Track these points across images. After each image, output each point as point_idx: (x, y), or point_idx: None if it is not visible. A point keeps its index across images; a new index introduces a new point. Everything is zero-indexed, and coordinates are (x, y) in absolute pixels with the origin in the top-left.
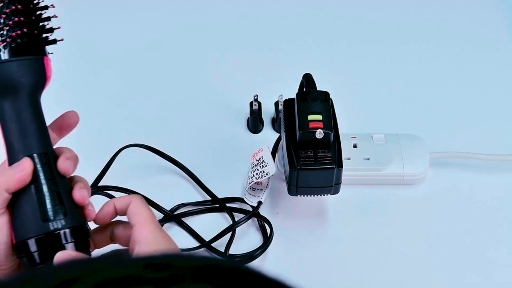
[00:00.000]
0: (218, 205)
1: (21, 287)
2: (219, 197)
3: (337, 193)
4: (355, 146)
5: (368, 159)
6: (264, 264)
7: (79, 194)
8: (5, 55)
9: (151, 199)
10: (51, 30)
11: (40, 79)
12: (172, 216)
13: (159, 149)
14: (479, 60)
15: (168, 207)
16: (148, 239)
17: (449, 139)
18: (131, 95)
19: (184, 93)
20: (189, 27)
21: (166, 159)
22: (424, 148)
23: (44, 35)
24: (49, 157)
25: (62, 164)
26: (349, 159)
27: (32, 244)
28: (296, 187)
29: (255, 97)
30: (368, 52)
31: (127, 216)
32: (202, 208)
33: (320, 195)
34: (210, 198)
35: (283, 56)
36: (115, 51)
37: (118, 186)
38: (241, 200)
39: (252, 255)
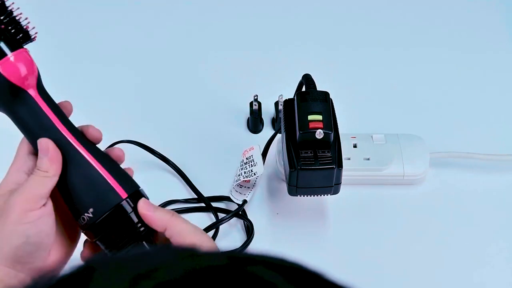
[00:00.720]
0: (204, 205)
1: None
2: (218, 196)
3: (337, 193)
4: (355, 146)
5: (368, 159)
6: None
7: (119, 151)
8: None
9: None
10: (20, 25)
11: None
12: None
13: (159, 150)
14: (479, 60)
15: (157, 203)
16: (189, 229)
17: (449, 139)
18: (131, 96)
19: (184, 93)
20: (189, 27)
21: (156, 156)
22: (424, 148)
23: (13, 30)
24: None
25: (92, 133)
26: (349, 159)
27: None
28: (296, 187)
29: (255, 97)
30: (368, 53)
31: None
32: (189, 206)
33: (320, 195)
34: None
35: (283, 56)
36: (113, 48)
37: None
38: (228, 198)
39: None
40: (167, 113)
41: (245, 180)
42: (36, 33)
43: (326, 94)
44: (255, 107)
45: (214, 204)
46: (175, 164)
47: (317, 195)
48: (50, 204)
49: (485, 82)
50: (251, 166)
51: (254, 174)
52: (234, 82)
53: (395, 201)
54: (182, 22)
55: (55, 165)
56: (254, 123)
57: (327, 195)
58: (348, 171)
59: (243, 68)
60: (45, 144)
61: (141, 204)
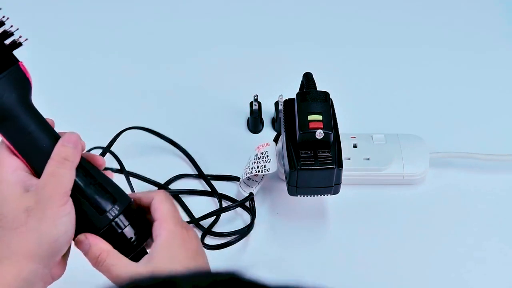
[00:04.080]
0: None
1: None
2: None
3: (337, 193)
4: (355, 146)
5: (368, 159)
6: (264, 264)
7: (109, 173)
8: None
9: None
10: (10, 34)
11: (26, 85)
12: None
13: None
14: (479, 60)
15: (164, 179)
16: (162, 239)
17: (449, 139)
18: (131, 95)
19: (184, 93)
20: (189, 27)
21: (165, 140)
22: (424, 148)
23: (7, 43)
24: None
25: (99, 161)
26: (349, 159)
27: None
28: (296, 187)
29: (255, 97)
30: (368, 53)
31: (150, 211)
32: (197, 190)
33: (320, 195)
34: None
35: (283, 56)
36: (112, 48)
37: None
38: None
39: (230, 240)
40: (167, 113)
41: (255, 174)
42: (25, 39)
43: (326, 94)
44: (255, 107)
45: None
46: (181, 146)
47: (317, 195)
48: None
49: (485, 82)
50: (265, 161)
51: (267, 170)
52: (234, 82)
53: (395, 201)
54: (183, 22)
55: (80, 153)
56: (254, 123)
57: (327, 195)
58: (348, 171)
59: (243, 68)
60: (73, 134)
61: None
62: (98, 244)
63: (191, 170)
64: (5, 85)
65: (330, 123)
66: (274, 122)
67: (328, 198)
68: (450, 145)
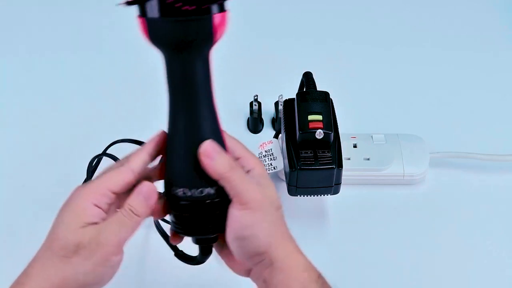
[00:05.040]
0: None
1: None
2: None
3: (337, 193)
4: (355, 146)
5: (368, 159)
6: None
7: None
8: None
9: None
10: None
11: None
12: None
13: None
14: (479, 60)
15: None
16: (244, 186)
17: (449, 139)
18: (131, 96)
19: None
20: None
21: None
22: (424, 148)
23: None
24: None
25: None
26: (349, 159)
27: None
28: (296, 187)
29: (255, 97)
30: (368, 53)
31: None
32: None
33: (320, 195)
34: None
35: (283, 57)
36: (111, 48)
37: None
38: None
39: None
40: (167, 113)
41: None
42: None
43: (326, 94)
44: (255, 107)
45: None
46: None
47: (317, 195)
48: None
49: (485, 82)
50: (271, 159)
51: (274, 168)
52: (234, 82)
53: (395, 201)
54: None
55: (149, 210)
56: (254, 123)
57: (327, 195)
58: (348, 171)
59: (243, 68)
60: (151, 189)
61: (204, 148)
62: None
63: None
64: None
65: (330, 123)
66: (274, 122)
67: (328, 198)
68: (450, 145)
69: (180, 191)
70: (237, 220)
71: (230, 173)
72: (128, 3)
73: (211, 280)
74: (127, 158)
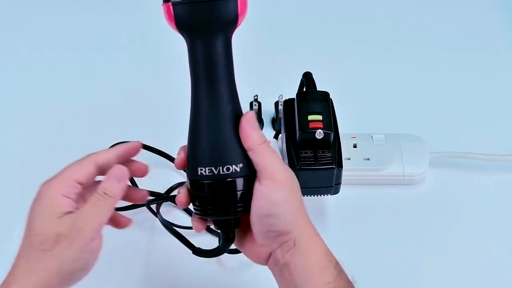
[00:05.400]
0: None
1: None
2: None
3: (337, 193)
4: (355, 146)
5: (368, 159)
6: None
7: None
8: None
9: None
10: None
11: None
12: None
13: (158, 148)
14: (479, 60)
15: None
16: (270, 163)
17: (449, 139)
18: (130, 95)
19: (184, 93)
20: None
21: (156, 154)
22: (424, 148)
23: None
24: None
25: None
26: (349, 159)
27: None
28: None
29: (255, 97)
30: (368, 53)
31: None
32: None
33: (320, 195)
34: None
35: (283, 56)
36: (112, 46)
37: None
38: None
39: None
40: (166, 113)
41: None
42: None
43: (326, 94)
44: (255, 107)
45: None
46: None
47: (317, 195)
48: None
49: (485, 82)
50: None
51: None
52: None
53: (395, 201)
54: None
55: (123, 191)
56: None
57: (327, 195)
58: (348, 171)
59: (243, 68)
60: (122, 170)
61: (247, 117)
62: None
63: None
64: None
65: (330, 123)
66: (274, 122)
67: (328, 198)
68: (450, 145)
69: (206, 170)
70: (266, 197)
71: (263, 145)
72: None
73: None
74: (94, 153)
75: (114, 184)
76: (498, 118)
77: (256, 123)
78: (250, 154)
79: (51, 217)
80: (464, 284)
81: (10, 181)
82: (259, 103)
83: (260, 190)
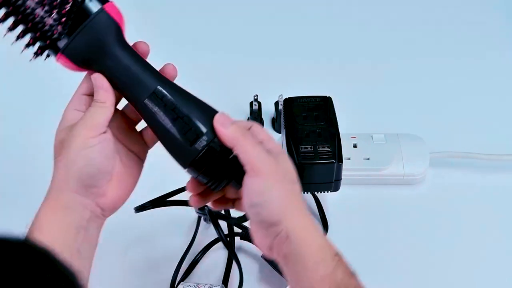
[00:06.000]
0: None
1: None
2: None
3: (337, 190)
4: (355, 146)
5: (368, 159)
6: (263, 264)
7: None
8: (70, 31)
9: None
10: None
11: (114, 26)
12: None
13: (158, 149)
14: (479, 60)
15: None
16: (255, 155)
17: (449, 139)
18: None
19: None
20: (189, 27)
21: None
22: (424, 148)
23: None
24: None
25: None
26: (349, 159)
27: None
28: None
29: (255, 97)
30: (368, 53)
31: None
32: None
33: (321, 192)
34: None
35: (283, 56)
36: None
37: None
38: None
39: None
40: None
41: None
42: None
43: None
44: (255, 107)
45: None
46: None
47: (318, 192)
48: (109, 132)
49: (485, 82)
50: None
51: None
52: (234, 82)
53: (395, 201)
54: (182, 22)
55: (111, 96)
56: None
57: (327, 191)
58: (348, 170)
59: (243, 68)
60: (100, 78)
61: (217, 118)
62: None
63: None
64: (93, 31)
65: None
66: (274, 122)
67: (328, 198)
68: (450, 145)
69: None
70: (250, 187)
71: (241, 139)
72: (40, 51)
73: None
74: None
75: (98, 92)
76: (498, 118)
77: (227, 120)
78: (234, 150)
79: (60, 130)
80: (464, 283)
81: (10, 182)
82: (259, 103)
83: (245, 181)
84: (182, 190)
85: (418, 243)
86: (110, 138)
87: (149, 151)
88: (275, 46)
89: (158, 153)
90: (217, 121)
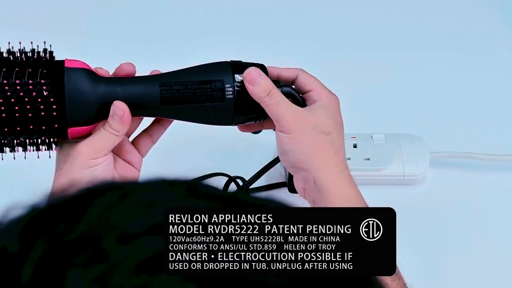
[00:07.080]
0: None
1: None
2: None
3: None
4: (355, 146)
5: (368, 159)
6: None
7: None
8: None
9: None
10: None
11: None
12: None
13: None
14: (479, 60)
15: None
16: (323, 101)
17: (449, 139)
18: None
19: None
20: (188, 27)
21: None
22: (424, 148)
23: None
24: None
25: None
26: (349, 159)
27: None
28: None
29: None
30: (368, 53)
31: (296, 84)
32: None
33: None
34: None
35: (282, 56)
36: (107, 49)
37: None
38: None
39: None
40: None
41: None
42: None
43: None
44: None
45: None
46: None
47: None
48: (111, 156)
49: (485, 82)
50: None
51: None
52: None
53: (395, 201)
54: (181, 22)
55: (126, 128)
56: None
57: None
58: None
59: None
60: (122, 107)
61: (245, 75)
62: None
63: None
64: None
65: None
66: None
67: None
68: (450, 145)
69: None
70: (277, 137)
71: (267, 98)
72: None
73: None
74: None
75: (116, 119)
76: (498, 118)
77: (257, 76)
78: (262, 105)
79: (64, 144)
80: (464, 283)
81: (10, 182)
82: None
83: (276, 133)
84: None
85: (418, 243)
86: (110, 160)
87: (145, 160)
88: (275, 46)
89: (154, 163)
90: (245, 78)
